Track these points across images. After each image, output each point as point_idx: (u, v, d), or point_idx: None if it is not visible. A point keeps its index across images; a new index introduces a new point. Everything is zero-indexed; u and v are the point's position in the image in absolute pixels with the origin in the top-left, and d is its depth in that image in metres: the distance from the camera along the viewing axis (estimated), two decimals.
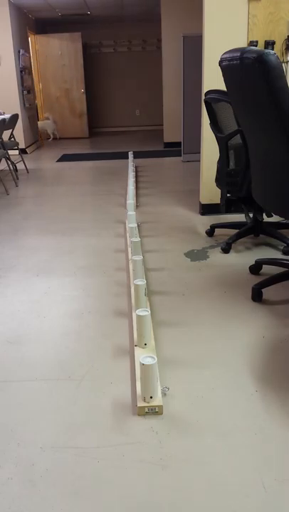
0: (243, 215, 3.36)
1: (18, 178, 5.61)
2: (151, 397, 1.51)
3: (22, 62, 7.62)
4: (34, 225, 3.68)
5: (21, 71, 7.59)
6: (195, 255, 2.89)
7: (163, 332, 2.00)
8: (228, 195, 2.83)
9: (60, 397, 1.60)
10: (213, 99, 2.72)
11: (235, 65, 1.80)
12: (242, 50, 1.73)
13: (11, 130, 5.99)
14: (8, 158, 5.37)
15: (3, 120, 5.20)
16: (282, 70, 1.61)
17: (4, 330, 2.07)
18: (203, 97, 3.27)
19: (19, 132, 7.42)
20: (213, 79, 3.32)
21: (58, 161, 6.93)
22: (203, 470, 1.28)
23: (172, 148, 7.39)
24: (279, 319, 2.07)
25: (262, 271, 2.58)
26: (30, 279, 2.62)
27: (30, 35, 8.70)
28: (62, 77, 9.48)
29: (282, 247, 2.95)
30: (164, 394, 1.58)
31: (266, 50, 1.62)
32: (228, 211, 3.02)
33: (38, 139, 8.75)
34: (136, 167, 5.90)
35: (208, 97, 2.81)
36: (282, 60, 3.25)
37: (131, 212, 3.24)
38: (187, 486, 1.23)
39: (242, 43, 3.23)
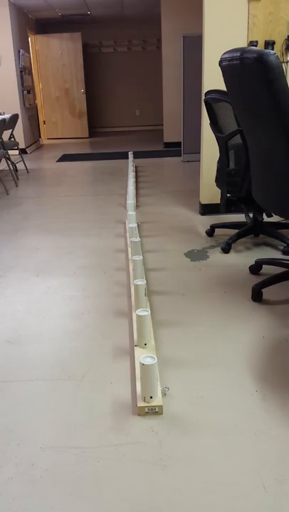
0: (243, 215, 3.36)
1: (18, 178, 5.61)
2: (151, 397, 1.51)
3: (22, 62, 7.62)
4: (34, 224, 3.68)
5: (21, 71, 7.59)
6: (195, 255, 2.89)
7: (163, 332, 2.00)
8: (228, 195, 2.83)
9: (60, 397, 1.60)
10: (213, 99, 2.72)
11: (235, 65, 1.80)
12: (242, 50, 1.72)
13: (11, 130, 5.99)
14: (8, 158, 5.37)
15: (3, 120, 5.20)
16: (282, 70, 1.61)
17: (4, 330, 2.07)
18: (203, 97, 3.27)
19: (19, 132, 7.42)
20: (213, 79, 3.32)
21: (58, 161, 6.93)
22: (203, 470, 1.28)
23: (172, 148, 7.40)
24: (279, 319, 2.07)
25: (262, 271, 2.58)
26: (30, 279, 2.62)
27: (30, 35, 8.71)
28: (62, 77, 9.48)
29: (282, 247, 2.95)
30: (164, 394, 1.58)
31: (266, 50, 1.61)
32: (228, 211, 3.02)
33: (38, 139, 8.75)
34: (136, 167, 5.90)
35: (208, 97, 2.81)
36: (282, 60, 3.25)
37: (131, 212, 3.24)
38: (187, 486, 1.23)
39: (242, 43, 3.23)
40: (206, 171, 3.60)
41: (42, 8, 8.01)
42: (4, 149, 5.24)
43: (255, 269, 2.57)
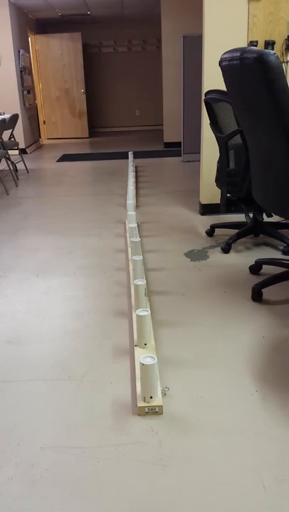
0: (243, 215, 3.36)
1: (18, 178, 5.61)
2: (151, 397, 1.51)
3: (22, 62, 7.62)
4: (34, 224, 3.68)
5: (21, 71, 7.59)
6: (195, 255, 2.89)
7: (163, 332, 2.00)
8: (228, 195, 2.83)
9: (60, 397, 1.60)
10: (213, 99, 2.72)
11: (235, 65, 1.80)
12: (242, 50, 1.72)
13: (11, 130, 5.99)
14: (8, 158, 5.37)
15: (3, 120, 5.20)
16: (282, 70, 1.61)
17: (4, 330, 2.07)
18: (203, 97, 3.27)
19: (19, 132, 7.42)
20: (213, 79, 3.32)
21: (58, 161, 6.93)
22: (203, 470, 1.28)
23: (172, 148, 7.40)
24: (279, 319, 2.07)
25: (262, 271, 2.58)
26: (30, 279, 2.62)
27: (30, 35, 8.70)
28: (62, 77, 9.48)
29: (282, 247, 2.95)
30: (164, 394, 1.58)
31: (266, 50, 1.61)
32: (228, 211, 3.02)
33: (38, 139, 8.75)
34: (136, 167, 5.90)
35: (208, 97, 2.81)
36: (282, 60, 3.25)
37: (131, 212, 3.24)
38: (187, 486, 1.23)
39: (242, 43, 3.23)
40: (206, 171, 3.60)
41: (42, 8, 8.01)
42: (4, 149, 5.24)
43: (255, 269, 2.57)
